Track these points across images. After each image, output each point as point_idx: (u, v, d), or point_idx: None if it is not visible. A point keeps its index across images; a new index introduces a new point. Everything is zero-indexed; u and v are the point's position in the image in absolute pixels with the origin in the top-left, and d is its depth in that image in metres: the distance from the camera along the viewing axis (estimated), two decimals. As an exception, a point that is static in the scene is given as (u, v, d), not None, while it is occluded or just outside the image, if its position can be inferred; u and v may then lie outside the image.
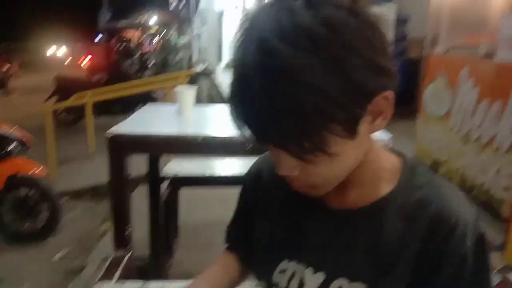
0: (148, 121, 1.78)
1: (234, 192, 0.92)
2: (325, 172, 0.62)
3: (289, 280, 0.74)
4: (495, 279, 2.21)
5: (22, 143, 3.45)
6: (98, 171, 4.41)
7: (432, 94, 3.91)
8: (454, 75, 3.48)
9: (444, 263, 0.63)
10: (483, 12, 3.56)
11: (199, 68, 8.95)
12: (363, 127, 0.60)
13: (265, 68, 0.55)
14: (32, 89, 12.51)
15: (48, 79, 8.13)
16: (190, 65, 12.53)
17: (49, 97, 6.95)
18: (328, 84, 0.53)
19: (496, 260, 2.32)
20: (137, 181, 3.49)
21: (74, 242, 3.35)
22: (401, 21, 6.69)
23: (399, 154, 0.74)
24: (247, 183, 0.88)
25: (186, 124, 1.76)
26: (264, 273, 0.78)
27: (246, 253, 0.86)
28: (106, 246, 2.97)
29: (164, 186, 2.44)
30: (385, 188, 0.69)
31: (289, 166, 0.62)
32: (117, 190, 1.52)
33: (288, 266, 0.75)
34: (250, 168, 0.89)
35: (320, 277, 0.71)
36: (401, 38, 6.74)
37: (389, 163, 0.71)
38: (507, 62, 2.89)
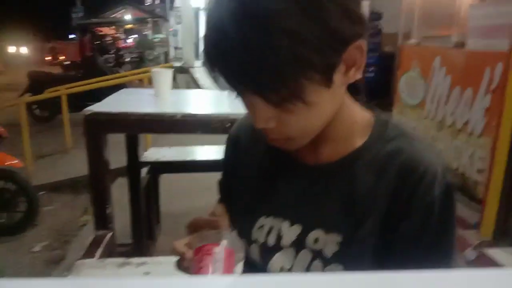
0: (125, 102, 1.76)
1: (214, 178, 0.94)
2: (301, 122, 0.63)
3: (267, 235, 0.76)
4: (472, 254, 2.30)
5: (-3, 135, 3.37)
6: (76, 165, 4.35)
7: (407, 84, 3.99)
8: (427, 65, 3.56)
9: (413, 210, 0.65)
10: (453, 4, 3.67)
11: (175, 64, 8.88)
12: (337, 77, 0.61)
13: (241, 13, 0.55)
14: (5, 87, 12.18)
15: (21, 77, 7.96)
16: (166, 62, 12.41)
17: (23, 93, 6.78)
18: (305, 30, 0.54)
19: (472, 237, 2.40)
20: (116, 173, 3.49)
21: (54, 234, 3.30)
22: (375, 17, 6.81)
23: (371, 110, 0.76)
24: (227, 145, 0.90)
25: (164, 104, 1.75)
26: (244, 231, 0.79)
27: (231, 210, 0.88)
28: (86, 237, 2.94)
29: (144, 173, 2.43)
30: (358, 142, 0.71)
31: (266, 118, 0.63)
32: (95, 170, 1.50)
33: (265, 222, 0.77)
34: (229, 132, 0.91)
35: (296, 229, 0.73)
36: (375, 33, 6.86)
37: (362, 117, 0.73)
38: (477, 49, 2.99)
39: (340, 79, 0.62)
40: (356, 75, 0.63)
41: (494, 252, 2.29)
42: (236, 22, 0.55)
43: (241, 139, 0.86)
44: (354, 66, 0.62)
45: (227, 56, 0.57)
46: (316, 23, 0.55)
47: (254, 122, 0.66)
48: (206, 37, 0.60)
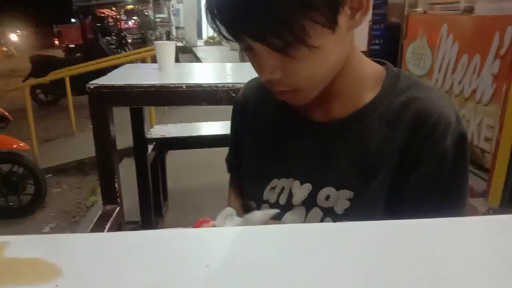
0: (129, 76, 1.74)
1: (220, 155, 0.93)
2: (307, 69, 0.61)
3: (279, 195, 0.75)
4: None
5: (1, 118, 3.38)
6: (82, 148, 4.38)
7: (413, 54, 3.93)
8: (434, 33, 3.50)
9: (425, 159, 0.63)
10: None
11: (178, 44, 8.80)
12: (343, 20, 0.59)
13: None
14: (8, 73, 12.19)
15: (24, 63, 7.94)
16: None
17: (26, 78, 6.78)
18: None
19: (480, 205, 2.40)
20: (122, 154, 3.50)
21: (62, 216, 3.34)
22: (380, -13, 6.67)
23: (382, 62, 0.74)
24: (235, 111, 0.88)
25: (168, 76, 1.72)
26: (255, 192, 0.79)
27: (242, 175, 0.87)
28: (95, 217, 2.97)
29: (150, 151, 2.42)
30: (369, 96, 0.69)
31: (271, 67, 0.61)
32: (101, 143, 1.49)
33: (277, 183, 0.76)
34: (236, 96, 0.89)
35: (307, 187, 0.72)
36: (380, 4, 6.73)
37: (372, 70, 0.71)
38: (486, 14, 2.92)
39: (345, 22, 0.60)
40: (362, 19, 0.61)
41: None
42: None
43: (249, 101, 0.84)
44: (360, 10, 0.60)
45: (227, 2, 0.56)
46: None
47: (260, 74, 0.64)
48: None
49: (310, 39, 0.56)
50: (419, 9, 4.11)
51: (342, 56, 0.65)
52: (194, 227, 0.65)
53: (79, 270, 0.41)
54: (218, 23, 0.58)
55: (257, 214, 0.66)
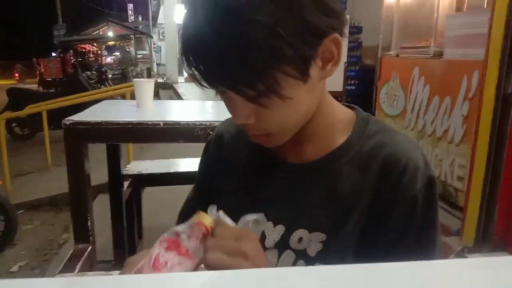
0: (106, 112, 1.74)
1: None
2: (280, 117, 0.63)
3: None
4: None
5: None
6: (56, 183, 4.27)
7: (387, 95, 4.06)
8: (406, 75, 3.64)
9: (396, 204, 0.65)
10: (431, 15, 3.78)
11: (159, 80, 8.86)
12: (314, 71, 0.61)
13: (214, 7, 0.55)
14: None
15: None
16: (149, 77, 12.39)
17: (2, 111, 6.67)
18: (278, 22, 0.54)
19: (454, 243, 2.42)
20: (98, 190, 3.43)
21: (33, 253, 3.21)
22: (355, 30, 6.95)
23: (352, 107, 0.77)
24: (208, 147, 0.88)
25: (146, 113, 1.73)
26: None
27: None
28: (66, 255, 2.87)
29: (126, 187, 2.39)
30: (340, 140, 0.71)
31: (245, 113, 0.63)
32: (75, 180, 1.47)
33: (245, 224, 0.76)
34: (212, 134, 0.90)
35: (280, 229, 0.72)
36: (356, 46, 7.00)
37: (343, 114, 0.74)
38: (454, 58, 3.06)
39: (317, 73, 0.62)
40: (333, 69, 0.63)
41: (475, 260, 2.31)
42: (210, 15, 0.55)
43: (224, 139, 0.85)
44: (331, 61, 0.62)
45: (202, 50, 0.57)
46: (290, 15, 0.55)
47: (234, 118, 0.66)
48: (183, 31, 0.60)
49: (282, 90, 0.58)
50: (392, 52, 4.29)
51: (313, 104, 0.67)
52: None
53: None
54: (193, 69, 0.60)
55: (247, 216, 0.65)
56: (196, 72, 0.60)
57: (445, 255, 2.33)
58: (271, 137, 0.67)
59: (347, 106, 0.76)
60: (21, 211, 3.82)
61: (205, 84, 0.61)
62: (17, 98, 6.78)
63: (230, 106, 0.65)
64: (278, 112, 0.62)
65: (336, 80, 5.88)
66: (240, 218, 0.76)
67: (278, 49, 0.55)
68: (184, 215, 0.87)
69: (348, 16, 5.98)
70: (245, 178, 0.79)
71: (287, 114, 0.63)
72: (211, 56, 0.56)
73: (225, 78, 0.58)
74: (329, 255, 0.67)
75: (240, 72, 0.56)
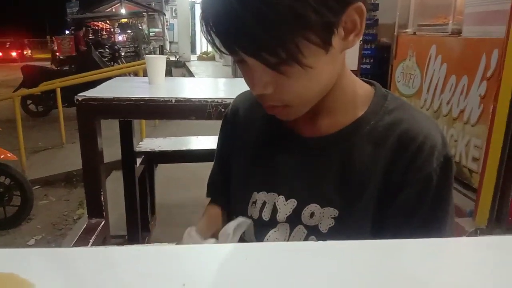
0: (118, 89, 1.74)
1: (209, 169, 0.91)
2: (299, 87, 0.62)
3: (261, 210, 0.75)
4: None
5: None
6: (71, 160, 4.35)
7: (403, 74, 3.99)
8: (423, 54, 3.56)
9: (410, 182, 0.64)
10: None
11: (171, 58, 8.84)
12: (336, 41, 0.59)
13: None
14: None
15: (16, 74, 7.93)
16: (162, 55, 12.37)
17: (17, 88, 6.75)
18: None
19: (467, 225, 2.41)
20: (111, 167, 3.47)
21: (49, 228, 3.29)
22: (371, 7, 6.79)
23: (371, 83, 0.75)
24: (225, 122, 0.88)
25: (158, 90, 1.72)
26: (240, 208, 0.78)
27: (228, 200, 0.85)
28: (80, 230, 2.93)
29: (139, 164, 2.41)
30: (356, 115, 0.70)
31: (264, 82, 0.61)
32: (88, 155, 1.48)
33: (257, 197, 0.75)
34: (227, 108, 0.89)
35: (292, 203, 0.72)
36: (372, 24, 6.84)
37: (361, 89, 0.72)
38: (473, 36, 2.98)
39: (338, 43, 0.60)
40: (355, 40, 0.62)
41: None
42: None
43: (239, 113, 0.84)
44: (353, 31, 0.61)
45: (224, 15, 0.55)
46: None
47: (252, 88, 0.64)
48: None
49: (303, 58, 0.57)
50: (409, 30, 4.18)
51: (334, 75, 0.66)
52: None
53: (51, 285, 0.40)
54: (213, 35, 0.58)
55: (230, 225, 0.65)
56: (216, 38, 0.58)
57: (457, 236, 2.32)
58: (288, 109, 0.65)
59: (366, 82, 0.74)
60: (36, 187, 3.91)
61: (224, 50, 0.60)
62: (32, 76, 6.84)
63: (248, 75, 0.64)
64: (298, 82, 0.60)
65: (351, 58, 5.75)
66: (250, 196, 0.77)
67: (303, 14, 0.54)
68: (211, 187, 0.91)
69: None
70: (259, 151, 0.78)
71: (307, 85, 0.62)
72: (232, 20, 0.55)
73: (246, 43, 0.57)
74: (341, 231, 0.66)
75: (262, 37, 0.55)
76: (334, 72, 0.65)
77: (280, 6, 0.52)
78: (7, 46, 26.72)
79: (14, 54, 25.47)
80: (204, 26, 0.59)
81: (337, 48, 0.60)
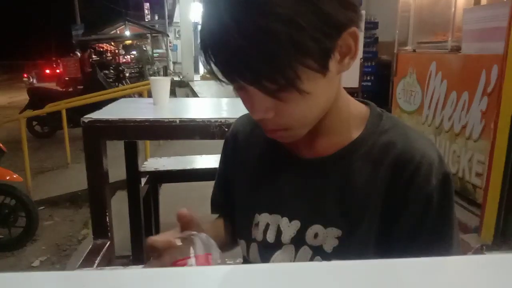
0: (123, 110, 1.76)
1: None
2: (298, 111, 0.63)
3: (264, 232, 0.75)
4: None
5: (-5, 150, 3.38)
6: (76, 180, 4.36)
7: (404, 91, 4.02)
8: (423, 71, 3.59)
9: (411, 202, 0.64)
10: (448, 9, 3.72)
11: (175, 79, 8.92)
12: (332, 65, 0.61)
13: (236, 0, 0.55)
14: (5, 105, 12.25)
15: (22, 96, 8.03)
16: (166, 76, 12.50)
17: (23, 110, 6.83)
18: (299, 15, 0.54)
19: (473, 240, 2.39)
20: (116, 187, 3.49)
21: (53, 249, 3.29)
22: (371, 26, 6.88)
23: (366, 102, 0.77)
24: (226, 145, 0.90)
25: (162, 111, 1.75)
26: (243, 230, 0.79)
27: (232, 216, 0.86)
28: (85, 251, 2.92)
29: (143, 183, 2.42)
30: (354, 135, 0.71)
31: (264, 108, 0.63)
32: (93, 177, 1.50)
33: (260, 219, 0.76)
34: (228, 131, 0.91)
35: (296, 224, 0.72)
36: (371, 42, 6.92)
37: (358, 110, 0.73)
38: (472, 53, 3.01)
39: (335, 67, 0.62)
40: (350, 63, 0.63)
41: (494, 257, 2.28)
42: (231, 9, 0.55)
43: (239, 136, 0.86)
44: (348, 54, 0.62)
45: (223, 45, 0.56)
46: (310, 8, 0.55)
47: (252, 114, 0.65)
48: (202, 26, 0.59)
49: (301, 84, 0.58)
50: (408, 48, 4.23)
51: (331, 98, 0.67)
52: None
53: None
54: (212, 64, 0.59)
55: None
56: (215, 67, 0.59)
57: (463, 253, 2.30)
58: (288, 131, 0.67)
59: (361, 101, 0.76)
60: (41, 208, 3.92)
61: (224, 80, 0.61)
62: (37, 97, 6.92)
63: (247, 101, 0.65)
64: (298, 106, 0.62)
65: (352, 76, 5.82)
66: (252, 218, 0.77)
67: (300, 41, 0.55)
68: (214, 204, 0.93)
69: (364, 11, 5.96)
70: (259, 173, 0.80)
71: (306, 108, 0.63)
72: (231, 50, 0.55)
73: (246, 72, 0.58)
74: (345, 251, 0.67)
75: (261, 66, 0.56)
76: (331, 94, 0.67)
77: (278, 35, 0.54)
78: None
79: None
80: (203, 55, 0.60)
81: (334, 71, 0.62)
